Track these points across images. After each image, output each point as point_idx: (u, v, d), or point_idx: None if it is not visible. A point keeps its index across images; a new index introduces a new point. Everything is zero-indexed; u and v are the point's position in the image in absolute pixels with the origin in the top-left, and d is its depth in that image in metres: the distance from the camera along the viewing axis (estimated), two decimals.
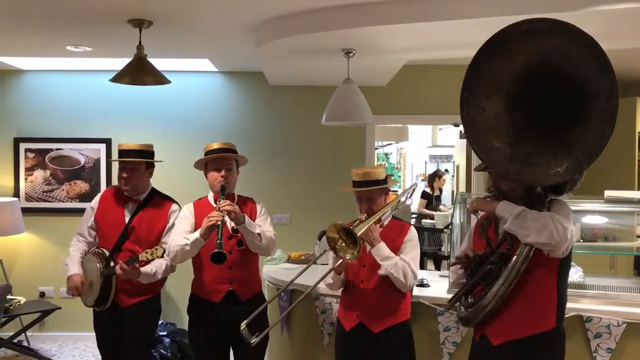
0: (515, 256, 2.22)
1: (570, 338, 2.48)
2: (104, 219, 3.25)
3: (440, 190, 8.27)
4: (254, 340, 2.69)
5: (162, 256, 2.98)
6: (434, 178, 8.11)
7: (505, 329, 2.28)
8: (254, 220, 3.08)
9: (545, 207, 2.27)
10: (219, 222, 2.80)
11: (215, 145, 3.09)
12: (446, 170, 8.94)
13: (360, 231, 2.57)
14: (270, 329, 2.67)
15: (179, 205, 3.30)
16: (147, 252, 2.96)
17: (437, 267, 7.11)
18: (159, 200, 3.28)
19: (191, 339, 3.17)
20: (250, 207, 3.16)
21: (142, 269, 3.01)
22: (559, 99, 2.09)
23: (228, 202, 2.90)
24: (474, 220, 2.45)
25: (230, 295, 3.03)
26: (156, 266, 3.08)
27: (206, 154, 3.09)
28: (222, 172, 3.04)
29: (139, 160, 3.19)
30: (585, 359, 2.92)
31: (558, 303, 2.27)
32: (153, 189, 3.32)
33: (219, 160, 3.06)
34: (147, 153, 3.25)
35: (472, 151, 5.93)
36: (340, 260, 2.72)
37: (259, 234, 2.97)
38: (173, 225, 3.17)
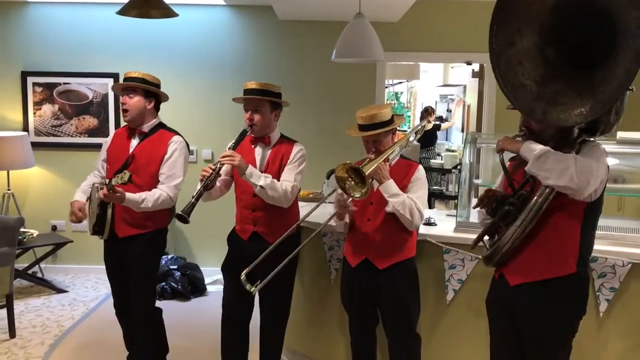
0: (535, 198, 2.16)
1: None
2: (112, 151, 3.27)
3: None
4: (254, 289, 2.71)
5: (128, 180, 3.04)
6: (424, 114, 9.33)
7: (522, 270, 2.26)
8: (282, 165, 3.05)
9: (574, 148, 2.16)
10: (207, 178, 2.83)
11: (250, 85, 3.06)
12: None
13: (369, 170, 2.56)
14: (272, 275, 2.67)
15: (184, 140, 3.27)
16: (117, 177, 3.10)
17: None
18: (163, 132, 3.25)
19: (222, 268, 3.21)
20: (283, 151, 3.10)
21: (127, 194, 2.98)
22: (592, 34, 1.98)
23: (229, 153, 2.87)
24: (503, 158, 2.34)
25: (256, 235, 3.07)
26: (148, 194, 3.06)
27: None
28: (248, 114, 3.03)
29: (136, 85, 3.14)
30: (589, 298, 2.95)
31: (581, 248, 2.21)
32: (160, 123, 3.29)
33: (246, 102, 3.06)
34: (146, 82, 3.19)
35: (483, 90, 5.88)
36: (348, 200, 2.73)
37: (261, 186, 2.88)
38: (171, 156, 3.16)
